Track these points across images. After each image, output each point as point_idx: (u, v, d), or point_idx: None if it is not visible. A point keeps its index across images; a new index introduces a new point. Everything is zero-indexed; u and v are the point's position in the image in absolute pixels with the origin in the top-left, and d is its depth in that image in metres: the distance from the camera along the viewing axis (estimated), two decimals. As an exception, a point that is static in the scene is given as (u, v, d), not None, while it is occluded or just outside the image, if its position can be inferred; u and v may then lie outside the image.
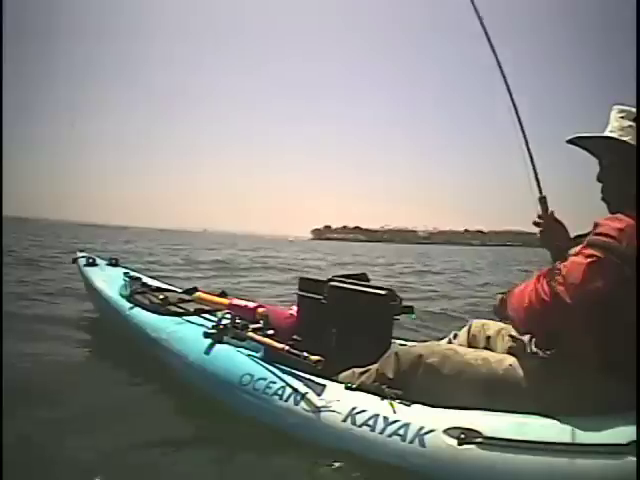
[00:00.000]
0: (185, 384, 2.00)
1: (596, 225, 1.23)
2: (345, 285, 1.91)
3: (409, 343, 2.00)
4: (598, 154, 1.41)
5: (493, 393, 1.34)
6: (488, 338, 1.65)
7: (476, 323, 1.74)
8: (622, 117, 1.32)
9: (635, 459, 1.07)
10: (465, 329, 1.75)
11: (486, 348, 1.59)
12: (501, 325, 1.65)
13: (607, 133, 1.34)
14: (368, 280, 2.05)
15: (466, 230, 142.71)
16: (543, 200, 1.50)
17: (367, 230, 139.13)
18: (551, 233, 1.47)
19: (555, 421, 1.23)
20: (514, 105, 1.56)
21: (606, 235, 1.18)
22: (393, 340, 1.93)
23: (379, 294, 1.84)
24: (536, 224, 1.49)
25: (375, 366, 1.59)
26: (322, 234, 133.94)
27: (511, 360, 1.38)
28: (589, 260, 1.16)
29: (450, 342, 1.73)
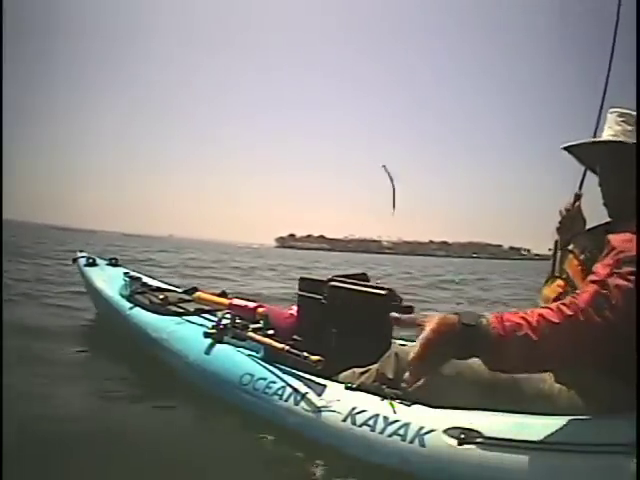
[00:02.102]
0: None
1: (612, 248, 1.15)
2: (345, 285, 1.91)
3: (409, 343, 2.00)
4: (597, 160, 1.39)
5: (493, 393, 1.34)
6: None
7: None
8: (624, 121, 1.30)
9: (635, 459, 1.07)
10: None
11: None
12: None
13: (609, 137, 1.31)
14: (368, 280, 2.05)
15: (431, 241, 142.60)
16: (578, 196, 1.61)
17: (331, 239, 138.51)
18: (572, 222, 1.55)
19: (555, 421, 1.22)
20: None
21: (629, 250, 1.11)
22: (393, 340, 1.93)
23: (379, 294, 1.84)
24: (561, 214, 1.59)
25: (375, 366, 1.59)
26: (286, 242, 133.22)
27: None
28: (631, 278, 1.07)
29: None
